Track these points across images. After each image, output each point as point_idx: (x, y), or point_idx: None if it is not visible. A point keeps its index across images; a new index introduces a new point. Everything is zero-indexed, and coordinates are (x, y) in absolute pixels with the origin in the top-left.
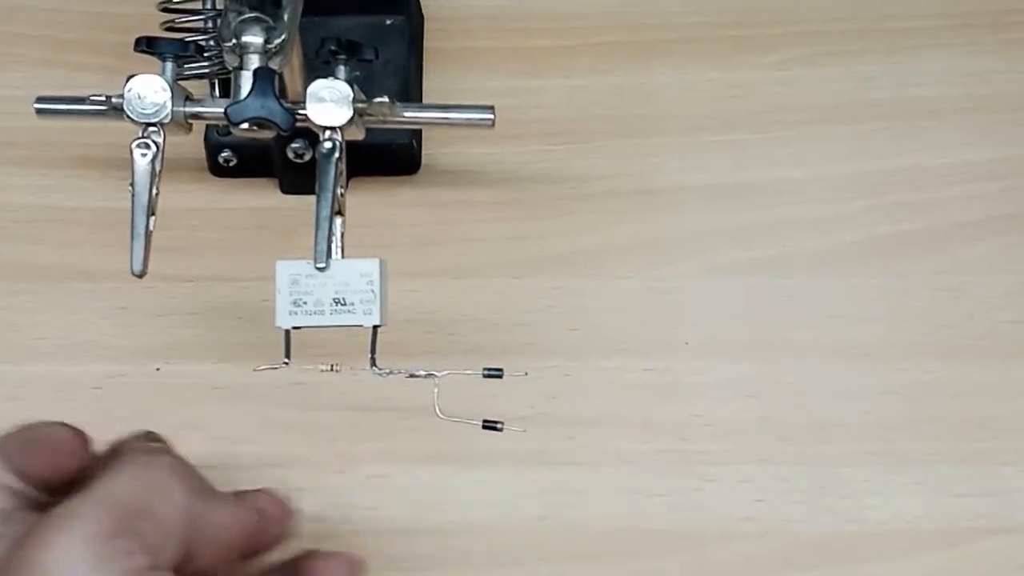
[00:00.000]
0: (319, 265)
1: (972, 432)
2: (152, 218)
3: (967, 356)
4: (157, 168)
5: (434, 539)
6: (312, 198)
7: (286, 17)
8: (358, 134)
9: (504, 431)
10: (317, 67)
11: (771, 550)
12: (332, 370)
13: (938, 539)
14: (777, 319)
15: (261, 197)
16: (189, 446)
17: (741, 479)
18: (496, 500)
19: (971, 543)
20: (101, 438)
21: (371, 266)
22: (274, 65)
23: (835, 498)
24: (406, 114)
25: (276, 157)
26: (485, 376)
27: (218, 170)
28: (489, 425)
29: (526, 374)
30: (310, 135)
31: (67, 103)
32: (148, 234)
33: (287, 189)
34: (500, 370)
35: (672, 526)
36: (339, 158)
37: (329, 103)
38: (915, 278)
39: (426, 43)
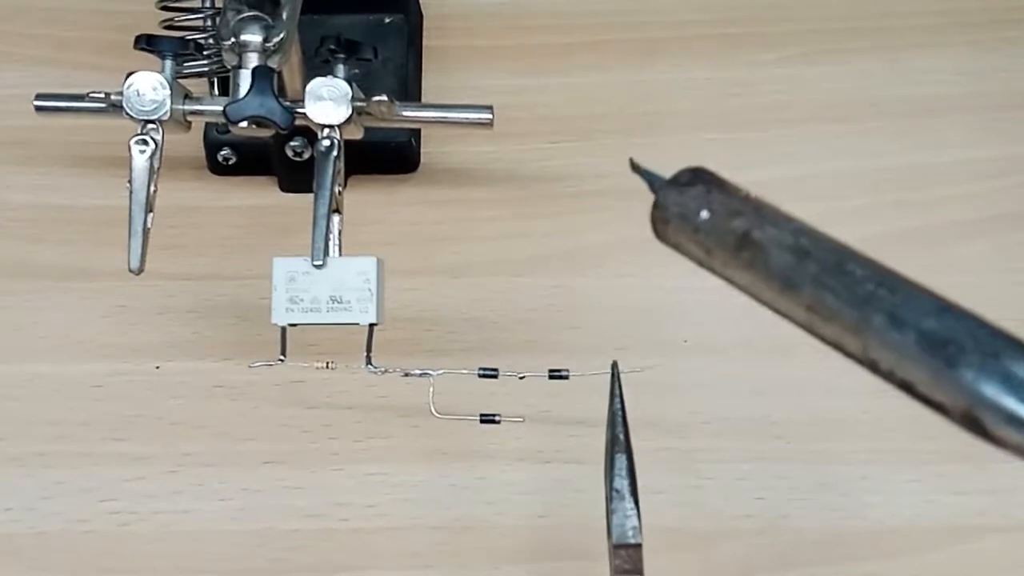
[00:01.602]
0: (316, 263)
1: None
2: (150, 215)
3: None
4: (155, 165)
5: (432, 537)
6: (311, 196)
7: (285, 16)
8: (356, 133)
9: (503, 423)
10: (316, 65)
11: (770, 547)
12: (328, 368)
13: (937, 537)
14: (776, 317)
15: (260, 195)
16: (189, 444)
17: (740, 476)
18: (495, 498)
19: (970, 541)
20: (101, 437)
21: (368, 264)
22: (273, 64)
23: (834, 495)
24: (405, 113)
25: (275, 155)
26: (480, 376)
27: (217, 168)
28: (487, 419)
29: (522, 377)
30: (309, 133)
31: (66, 100)
32: (146, 231)
33: (286, 187)
34: (495, 370)
35: (671, 523)
36: (337, 156)
37: (328, 101)
38: (915, 276)
39: (425, 41)
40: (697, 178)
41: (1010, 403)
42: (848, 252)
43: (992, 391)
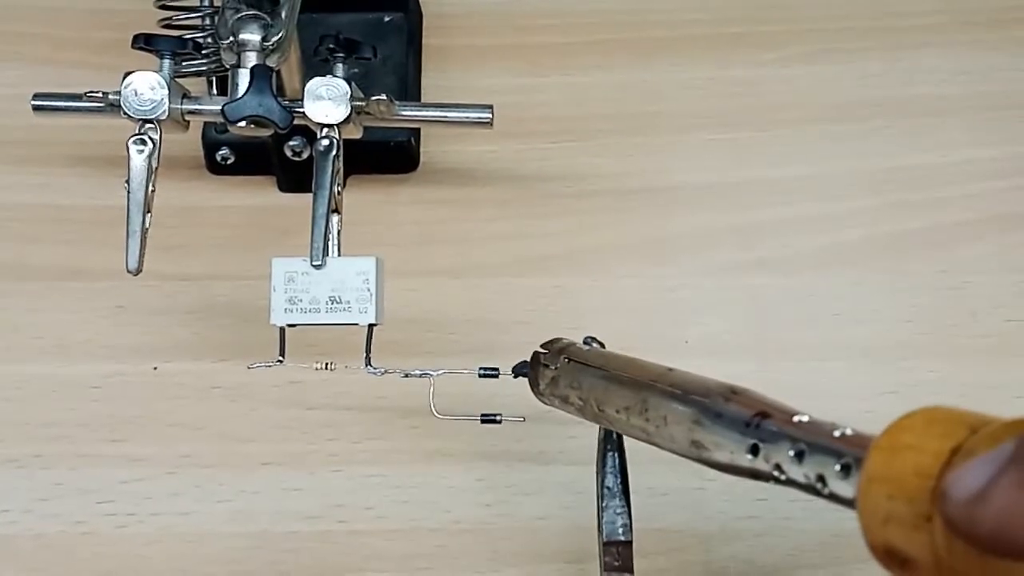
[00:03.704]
0: (315, 263)
1: None
2: (148, 215)
3: (970, 355)
4: (153, 165)
5: (432, 539)
6: (310, 196)
7: (284, 14)
8: (356, 132)
9: (503, 424)
10: (315, 64)
11: (772, 549)
12: (327, 369)
13: None
14: (778, 318)
15: (258, 195)
16: (187, 446)
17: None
18: (494, 500)
19: None
20: (98, 438)
21: (367, 264)
22: (271, 63)
23: None
24: (404, 113)
25: (273, 155)
26: (481, 376)
27: (215, 168)
28: (488, 419)
29: (517, 376)
30: (308, 133)
31: (64, 100)
32: (144, 231)
33: (285, 187)
34: (496, 370)
35: (674, 525)
36: (336, 156)
37: (327, 101)
38: (918, 277)
39: (425, 40)
40: (536, 380)
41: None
42: (609, 389)
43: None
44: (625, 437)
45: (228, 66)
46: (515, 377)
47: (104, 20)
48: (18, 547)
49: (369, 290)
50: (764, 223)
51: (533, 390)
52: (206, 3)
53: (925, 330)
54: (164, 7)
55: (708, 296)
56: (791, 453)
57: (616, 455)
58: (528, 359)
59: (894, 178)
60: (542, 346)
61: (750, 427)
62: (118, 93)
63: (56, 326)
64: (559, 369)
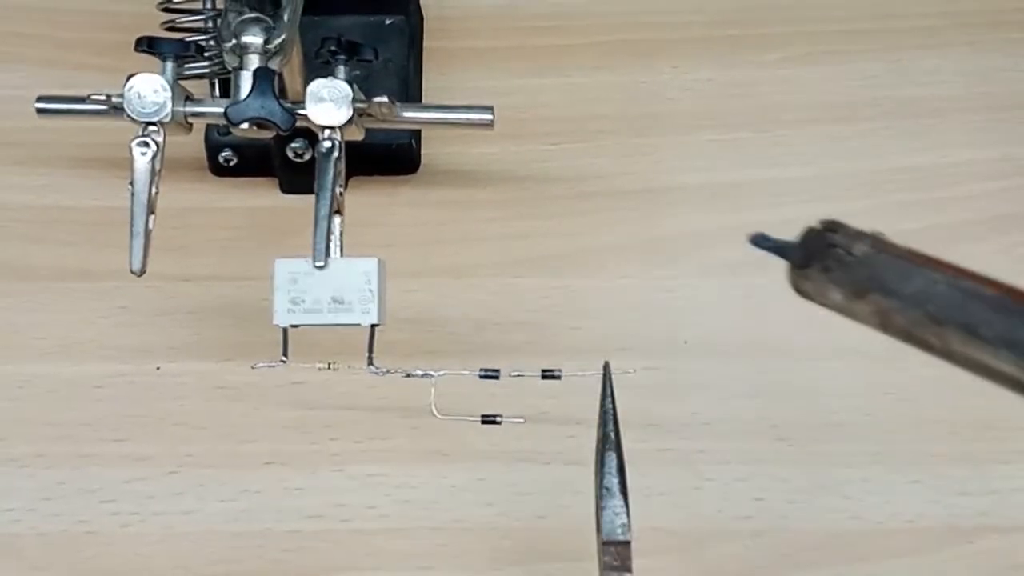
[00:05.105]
0: (318, 264)
1: (972, 431)
2: (151, 217)
3: None
4: (157, 167)
5: (433, 538)
6: (312, 197)
7: (286, 17)
8: (357, 134)
9: (503, 424)
10: (317, 67)
11: (770, 549)
12: (329, 369)
13: (938, 538)
14: (777, 318)
15: (261, 196)
16: (190, 445)
17: (740, 478)
18: (495, 500)
19: (971, 542)
20: (101, 438)
21: (370, 265)
22: (274, 65)
23: (834, 497)
24: (405, 114)
25: (276, 157)
26: (482, 377)
27: (218, 169)
28: (488, 419)
29: (513, 375)
30: (310, 135)
31: (67, 102)
32: (148, 233)
33: (287, 188)
34: (497, 371)
35: (671, 525)
36: (338, 157)
37: (329, 103)
38: None
39: (426, 42)
40: (805, 261)
41: None
42: (965, 308)
43: None
44: (624, 436)
45: (231, 68)
46: (754, 246)
47: (107, 22)
48: (21, 546)
49: (371, 291)
50: (763, 224)
51: (794, 272)
52: (209, 6)
53: None
54: (167, 10)
55: (707, 296)
56: None
57: (614, 455)
58: (760, 233)
59: (894, 178)
60: (822, 223)
61: None
62: (121, 95)
63: (59, 326)
64: (857, 257)
